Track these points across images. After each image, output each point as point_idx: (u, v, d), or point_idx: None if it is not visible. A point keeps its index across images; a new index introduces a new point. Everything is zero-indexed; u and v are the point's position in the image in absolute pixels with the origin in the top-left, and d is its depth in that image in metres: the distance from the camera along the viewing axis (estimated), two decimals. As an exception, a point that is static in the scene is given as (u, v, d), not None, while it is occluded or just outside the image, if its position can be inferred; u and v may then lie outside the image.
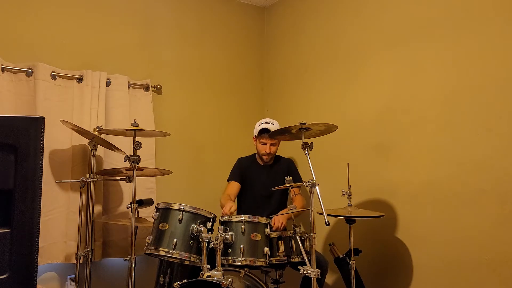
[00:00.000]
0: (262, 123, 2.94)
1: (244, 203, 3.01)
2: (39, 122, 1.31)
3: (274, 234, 2.36)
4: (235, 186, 2.97)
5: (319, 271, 2.06)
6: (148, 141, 3.14)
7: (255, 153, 3.12)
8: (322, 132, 2.39)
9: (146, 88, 3.25)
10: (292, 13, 3.68)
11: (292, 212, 2.38)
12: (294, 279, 2.72)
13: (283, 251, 2.33)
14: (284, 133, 2.37)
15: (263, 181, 2.96)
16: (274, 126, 2.90)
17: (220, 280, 2.00)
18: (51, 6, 2.98)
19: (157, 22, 3.41)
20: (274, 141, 2.94)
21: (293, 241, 2.35)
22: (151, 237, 2.32)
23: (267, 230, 2.34)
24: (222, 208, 2.59)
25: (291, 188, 2.62)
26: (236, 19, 3.85)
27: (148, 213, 3.03)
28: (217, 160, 3.58)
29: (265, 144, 2.92)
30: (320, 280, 2.60)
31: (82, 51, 3.07)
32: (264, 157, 2.96)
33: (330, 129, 2.33)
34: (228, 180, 3.04)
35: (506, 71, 2.18)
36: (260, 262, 2.28)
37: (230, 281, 2.00)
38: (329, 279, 3.06)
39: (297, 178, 3.01)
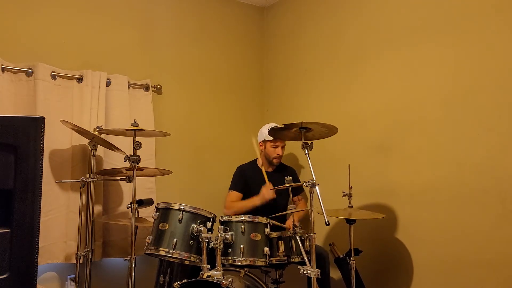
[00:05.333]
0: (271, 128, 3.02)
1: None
2: (39, 122, 1.31)
3: (274, 234, 2.36)
4: (239, 197, 3.02)
5: (319, 271, 2.07)
6: (148, 141, 3.14)
7: (255, 159, 3.16)
8: (322, 135, 2.40)
9: (146, 88, 3.25)
10: (292, 13, 3.68)
11: (292, 212, 2.39)
12: (294, 279, 2.72)
13: (283, 251, 2.33)
14: (285, 130, 2.38)
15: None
16: None
17: (220, 280, 2.00)
18: (51, 6, 2.97)
19: (157, 22, 3.41)
20: (284, 143, 3.06)
21: (293, 241, 2.35)
22: (151, 237, 2.32)
23: (267, 230, 2.34)
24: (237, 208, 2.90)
25: (293, 193, 2.63)
26: (236, 19, 3.85)
27: (148, 213, 3.03)
28: (217, 160, 3.58)
29: (277, 147, 3.01)
30: (324, 269, 2.67)
31: (82, 51, 3.07)
32: (274, 160, 3.06)
33: (330, 131, 2.34)
34: (230, 189, 3.07)
35: (506, 71, 2.18)
36: (260, 262, 2.28)
37: (230, 281, 2.00)
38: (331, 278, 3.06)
39: (299, 187, 3.16)
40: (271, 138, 2.94)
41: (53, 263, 2.78)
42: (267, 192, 2.85)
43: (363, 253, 2.58)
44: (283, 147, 3.06)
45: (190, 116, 3.52)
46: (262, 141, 3.07)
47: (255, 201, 2.87)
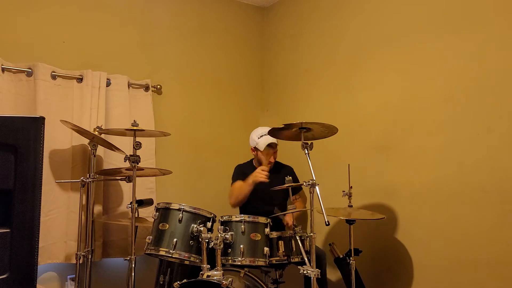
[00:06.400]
0: (262, 136, 2.94)
1: (247, 209, 3.00)
2: (39, 122, 1.30)
3: (274, 234, 2.36)
4: None
5: (319, 271, 2.07)
6: (148, 141, 3.14)
7: (252, 159, 3.17)
8: (322, 135, 2.40)
9: (146, 88, 3.25)
10: (292, 13, 3.68)
11: (292, 212, 2.39)
12: (294, 279, 2.72)
13: (283, 251, 2.34)
14: (285, 130, 2.38)
15: (266, 187, 2.96)
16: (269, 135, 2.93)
17: (220, 280, 2.00)
18: (51, 6, 2.97)
19: (157, 22, 3.41)
20: (276, 150, 3.03)
21: (293, 241, 2.35)
22: (151, 237, 2.32)
23: (267, 230, 2.34)
24: (236, 191, 2.91)
25: (291, 191, 2.62)
26: (236, 19, 3.85)
27: (148, 213, 3.03)
28: (217, 160, 3.58)
29: (268, 155, 2.98)
30: (321, 270, 2.63)
31: (82, 51, 3.07)
32: (268, 165, 3.01)
33: (330, 131, 2.34)
34: (233, 182, 3.05)
35: (506, 71, 2.18)
36: (260, 262, 2.28)
37: (230, 281, 2.00)
38: (329, 279, 3.06)
39: (298, 187, 3.11)
40: (261, 149, 2.93)
41: (53, 263, 2.79)
42: (259, 172, 2.77)
43: (363, 253, 2.58)
44: (275, 153, 3.03)
45: (190, 116, 3.52)
46: (254, 148, 3.03)
47: (248, 179, 2.83)
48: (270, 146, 2.96)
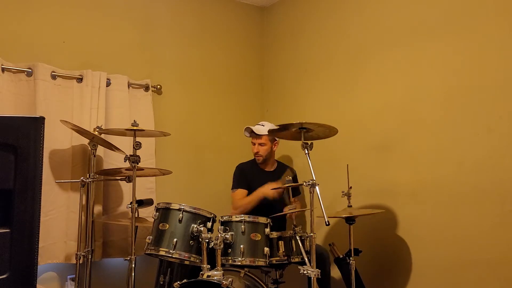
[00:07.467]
0: (257, 125, 3.04)
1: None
2: (39, 122, 1.30)
3: (274, 234, 2.36)
4: (244, 194, 3.00)
5: (319, 271, 2.07)
6: (148, 141, 3.14)
7: (254, 158, 3.17)
8: (322, 136, 2.40)
9: (146, 88, 3.25)
10: (292, 13, 3.68)
11: (292, 212, 2.39)
12: (294, 279, 2.72)
13: (283, 251, 2.34)
14: (282, 130, 2.38)
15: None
16: (264, 127, 2.98)
17: (220, 280, 2.00)
18: (51, 6, 2.97)
19: (157, 22, 3.41)
20: (261, 141, 3.02)
21: (293, 241, 2.35)
22: (151, 237, 2.32)
23: (267, 230, 2.34)
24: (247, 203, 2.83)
25: (291, 193, 2.62)
26: (236, 19, 3.85)
27: (148, 213, 3.03)
28: (217, 160, 3.58)
29: (254, 144, 3.04)
30: (325, 269, 2.66)
31: (82, 51, 3.07)
32: (256, 157, 3.06)
33: (330, 132, 2.34)
34: (234, 188, 3.05)
35: (506, 71, 2.18)
36: (260, 262, 2.28)
37: (230, 281, 2.00)
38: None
39: (297, 190, 3.12)
40: (248, 135, 3.00)
41: (53, 263, 2.79)
42: (268, 189, 2.82)
43: (363, 253, 2.58)
44: (260, 145, 3.02)
45: (190, 116, 3.52)
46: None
47: (258, 193, 2.85)
48: (251, 135, 3.02)
